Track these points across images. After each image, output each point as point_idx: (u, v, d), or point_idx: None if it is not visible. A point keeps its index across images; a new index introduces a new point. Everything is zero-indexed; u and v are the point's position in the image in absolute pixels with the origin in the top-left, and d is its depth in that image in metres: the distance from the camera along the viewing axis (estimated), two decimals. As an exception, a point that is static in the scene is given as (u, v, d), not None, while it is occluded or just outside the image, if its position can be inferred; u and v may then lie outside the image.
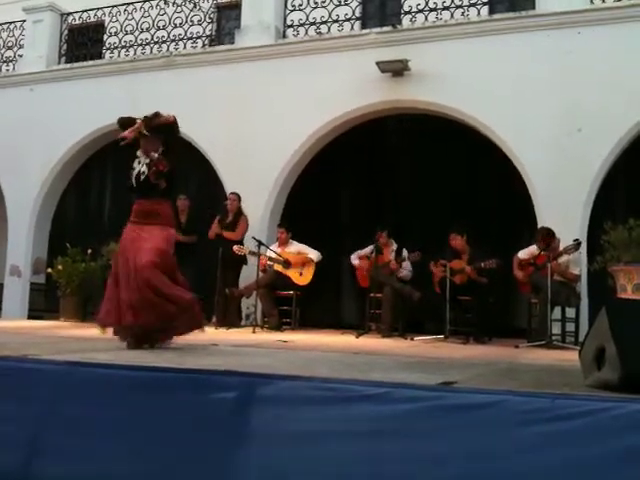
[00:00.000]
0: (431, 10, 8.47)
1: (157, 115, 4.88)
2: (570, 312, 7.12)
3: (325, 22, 8.95)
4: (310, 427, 2.42)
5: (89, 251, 9.20)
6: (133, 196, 4.91)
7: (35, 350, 3.82)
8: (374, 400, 2.40)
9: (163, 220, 4.78)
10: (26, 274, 10.22)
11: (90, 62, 10.40)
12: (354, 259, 8.16)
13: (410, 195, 9.05)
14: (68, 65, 10.51)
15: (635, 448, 2.11)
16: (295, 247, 8.28)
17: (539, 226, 7.28)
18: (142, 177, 4.77)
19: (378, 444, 2.33)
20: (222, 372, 2.71)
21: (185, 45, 9.88)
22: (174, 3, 9.94)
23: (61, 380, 2.82)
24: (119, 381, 2.74)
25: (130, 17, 10.14)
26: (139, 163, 4.84)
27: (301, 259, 8.14)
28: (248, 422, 2.50)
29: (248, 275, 8.25)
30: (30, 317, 9.86)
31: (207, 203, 9.12)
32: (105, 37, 10.55)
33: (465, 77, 8.01)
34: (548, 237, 6.79)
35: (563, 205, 7.42)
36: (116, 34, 10.25)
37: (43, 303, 10.22)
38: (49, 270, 9.46)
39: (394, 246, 7.96)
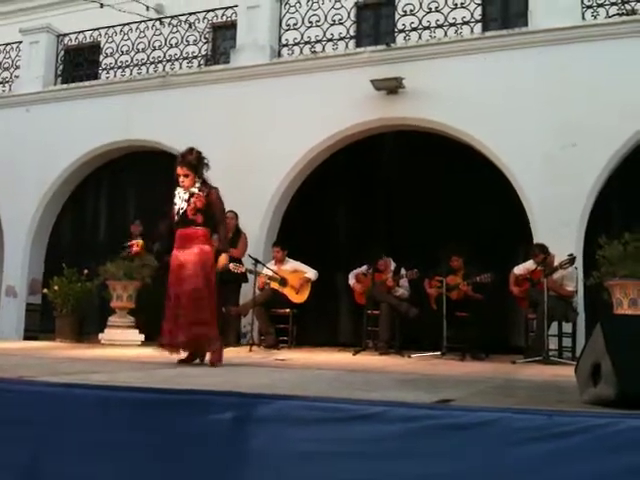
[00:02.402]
0: (425, 28, 8.54)
1: (191, 151, 5.25)
2: (567, 327, 7.12)
3: (320, 41, 9.02)
4: (308, 448, 2.41)
5: (85, 271, 9.20)
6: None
7: (31, 371, 3.81)
8: (372, 420, 2.39)
9: (199, 241, 5.10)
10: (22, 294, 10.19)
11: (86, 82, 10.45)
12: (351, 279, 8.16)
13: (405, 212, 9.07)
14: (64, 86, 10.55)
15: (633, 466, 2.10)
16: (291, 265, 8.28)
17: (535, 242, 7.30)
18: (181, 212, 5.15)
19: (376, 465, 2.32)
20: (219, 392, 2.70)
21: (181, 65, 9.94)
22: (170, 23, 10.00)
23: (57, 402, 2.80)
24: (115, 402, 2.73)
25: (126, 37, 10.20)
26: (179, 199, 5.19)
27: (298, 277, 8.14)
28: (246, 443, 2.49)
29: (245, 293, 8.25)
30: (26, 338, 9.82)
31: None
32: (101, 58, 10.61)
33: (459, 94, 8.06)
34: (543, 253, 6.82)
35: (558, 220, 7.44)
36: (112, 55, 10.30)
37: (39, 323, 10.17)
38: (45, 290, 9.44)
39: (392, 266, 7.97)
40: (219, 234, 5.28)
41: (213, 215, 5.20)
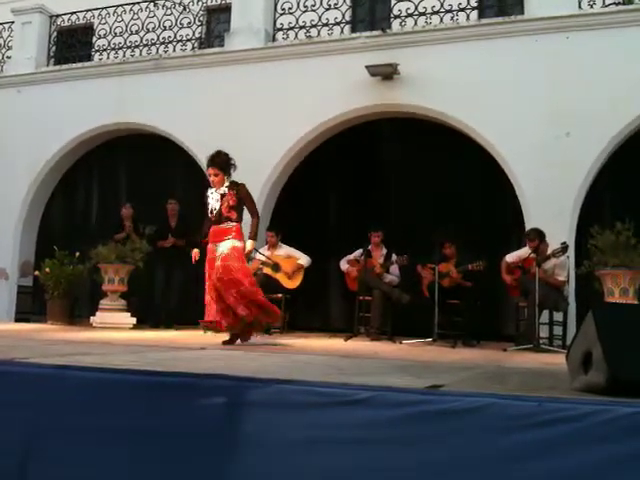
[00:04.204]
0: (420, 14, 8.50)
1: (219, 154, 5.83)
2: (558, 315, 7.15)
3: (315, 26, 8.96)
4: (300, 433, 2.42)
5: (77, 254, 9.16)
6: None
7: (23, 353, 3.80)
8: (363, 404, 2.40)
9: (232, 235, 5.71)
10: (13, 277, 10.16)
11: (79, 64, 10.37)
12: (343, 264, 8.16)
13: (399, 199, 9.07)
14: (57, 67, 10.47)
15: (624, 454, 2.11)
16: (284, 250, 8.28)
17: (527, 229, 7.31)
18: (215, 211, 5.75)
19: (368, 450, 2.33)
20: (211, 375, 2.70)
21: (174, 48, 9.86)
22: (164, 5, 9.92)
23: (50, 383, 2.80)
24: (107, 384, 2.73)
25: (119, 19, 10.11)
26: (212, 199, 5.80)
27: (291, 263, 8.14)
28: (238, 427, 2.49)
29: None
30: (17, 320, 9.81)
31: (196, 206, 9.09)
32: (94, 39, 10.53)
33: (454, 81, 8.04)
34: (539, 238, 6.82)
35: (551, 209, 7.46)
36: (105, 36, 10.22)
37: (30, 306, 10.16)
38: (36, 273, 9.41)
39: (384, 251, 7.98)
40: (252, 224, 5.83)
41: (244, 209, 5.82)
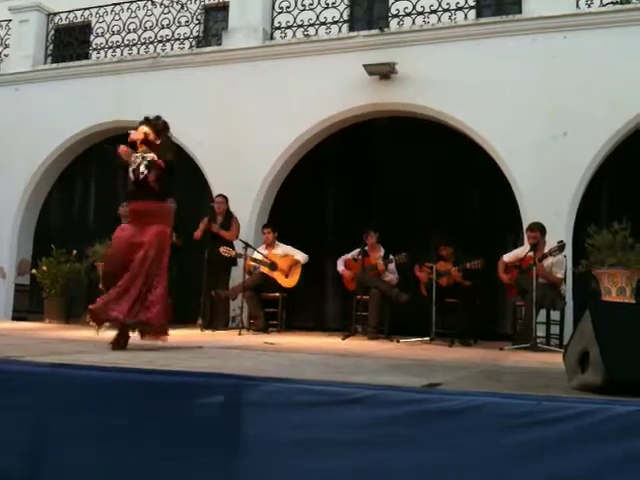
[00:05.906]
0: (418, 13, 8.50)
1: (159, 118, 5.03)
2: (555, 315, 7.15)
3: (312, 24, 8.96)
4: (297, 432, 2.42)
5: (74, 252, 9.15)
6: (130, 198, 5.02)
7: (19, 352, 3.79)
8: (361, 403, 2.40)
9: (158, 219, 4.80)
10: (10, 275, 10.14)
11: (76, 62, 10.34)
12: (339, 265, 8.14)
13: (397, 198, 9.06)
14: (54, 65, 10.45)
15: (622, 453, 2.12)
16: (282, 249, 8.27)
17: (524, 228, 7.32)
18: (141, 176, 4.76)
19: (366, 450, 2.33)
20: (209, 374, 2.70)
21: (172, 46, 9.84)
22: (161, 4, 9.91)
23: (45, 382, 2.80)
24: (104, 383, 2.72)
25: (117, 18, 10.10)
26: (137, 165, 4.81)
27: (288, 261, 8.13)
28: (236, 425, 2.49)
29: (235, 277, 8.24)
30: (14, 318, 9.79)
31: (193, 205, 9.09)
32: (92, 37, 10.51)
33: (452, 80, 8.04)
34: (541, 232, 6.81)
35: (549, 208, 7.46)
36: (103, 35, 10.20)
37: (27, 304, 10.14)
38: (33, 271, 9.40)
39: (382, 252, 7.97)
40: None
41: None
